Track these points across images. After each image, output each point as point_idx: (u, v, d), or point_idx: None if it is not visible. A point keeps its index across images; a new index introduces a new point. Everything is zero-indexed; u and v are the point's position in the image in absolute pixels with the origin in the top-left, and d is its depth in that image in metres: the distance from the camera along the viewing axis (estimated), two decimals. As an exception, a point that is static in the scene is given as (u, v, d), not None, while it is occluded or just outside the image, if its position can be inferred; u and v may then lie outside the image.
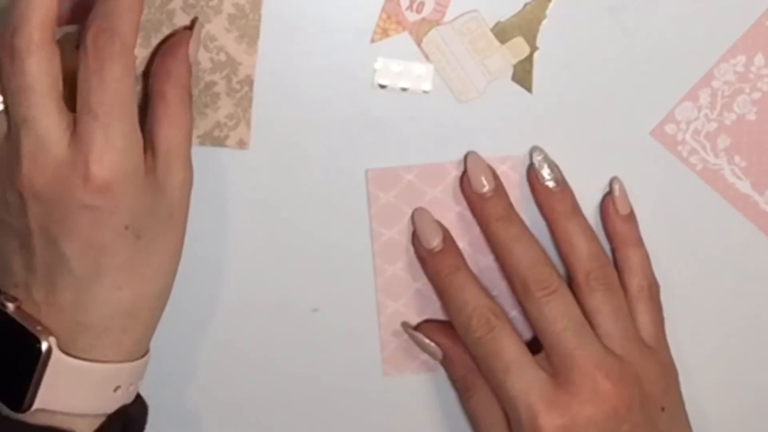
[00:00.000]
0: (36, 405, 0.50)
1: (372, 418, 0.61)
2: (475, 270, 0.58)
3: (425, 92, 0.58)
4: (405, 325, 0.59)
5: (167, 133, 0.52)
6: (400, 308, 0.59)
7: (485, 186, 0.57)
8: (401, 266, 0.59)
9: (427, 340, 0.58)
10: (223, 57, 0.57)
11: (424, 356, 0.60)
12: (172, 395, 0.61)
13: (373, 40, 0.57)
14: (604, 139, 0.59)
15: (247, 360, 0.60)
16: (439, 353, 0.58)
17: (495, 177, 0.57)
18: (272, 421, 0.61)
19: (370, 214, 0.59)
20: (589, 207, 0.59)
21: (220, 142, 0.58)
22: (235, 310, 0.60)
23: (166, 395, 0.60)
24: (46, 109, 0.49)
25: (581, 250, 0.56)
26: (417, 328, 0.59)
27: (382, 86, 0.58)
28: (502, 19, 0.58)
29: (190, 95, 0.53)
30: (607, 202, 0.58)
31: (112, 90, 0.49)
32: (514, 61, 0.58)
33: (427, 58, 0.58)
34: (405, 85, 0.58)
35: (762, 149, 0.59)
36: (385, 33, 0.57)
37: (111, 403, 0.52)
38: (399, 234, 0.59)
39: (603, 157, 0.59)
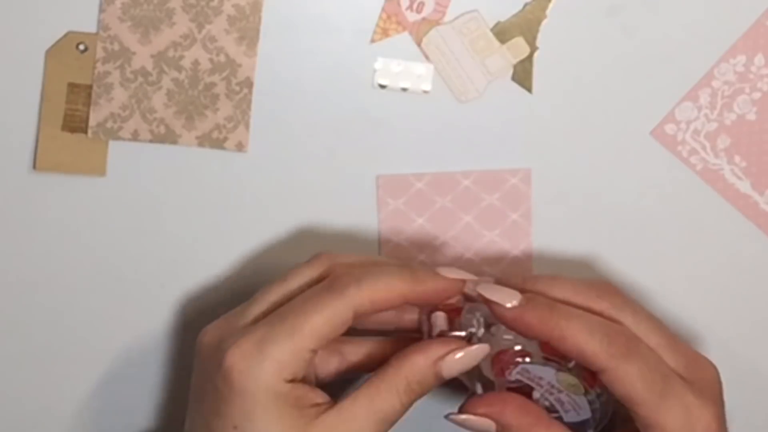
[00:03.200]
0: None
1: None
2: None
3: (425, 92, 0.58)
4: (449, 416, 0.54)
5: None
6: (405, 315, 0.59)
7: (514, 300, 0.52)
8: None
9: (480, 419, 0.53)
10: (222, 58, 0.57)
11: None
12: (171, 395, 0.60)
13: (373, 40, 0.57)
14: (604, 139, 0.59)
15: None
16: (492, 428, 0.53)
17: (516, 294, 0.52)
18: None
19: (379, 219, 0.59)
20: (590, 207, 0.59)
21: (218, 144, 0.57)
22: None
23: (163, 398, 0.60)
24: None
25: None
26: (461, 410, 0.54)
27: (382, 86, 0.58)
28: (502, 19, 0.57)
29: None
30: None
31: None
32: (514, 61, 0.58)
33: (427, 58, 0.57)
34: (405, 85, 0.58)
35: (762, 149, 0.59)
36: (385, 33, 0.57)
37: None
38: (406, 241, 0.59)
39: (603, 157, 0.59)
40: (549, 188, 0.59)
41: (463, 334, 0.52)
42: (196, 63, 0.57)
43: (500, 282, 0.52)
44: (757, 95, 0.58)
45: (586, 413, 0.52)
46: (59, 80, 0.57)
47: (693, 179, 0.59)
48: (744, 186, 0.59)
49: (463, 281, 0.53)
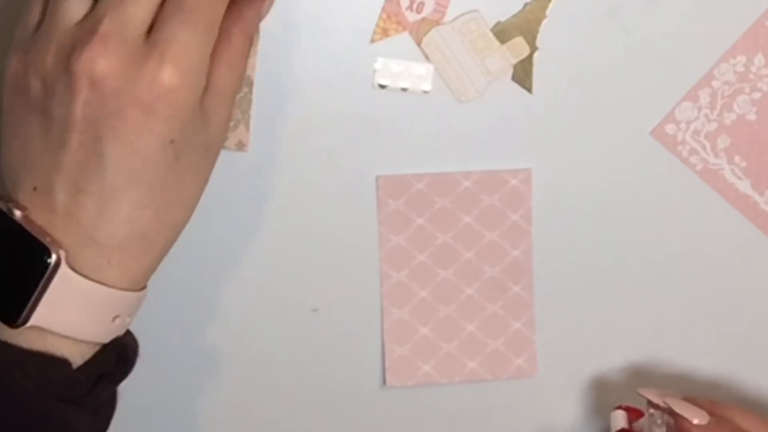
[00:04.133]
0: (32, 321, 0.47)
1: (372, 422, 0.61)
2: (480, 280, 0.58)
3: (425, 92, 0.58)
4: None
5: (224, 73, 0.50)
6: (405, 316, 0.59)
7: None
8: (407, 273, 0.59)
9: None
10: None
11: (427, 368, 0.60)
12: (171, 395, 0.60)
13: (373, 40, 0.57)
14: (604, 139, 0.59)
15: (246, 360, 0.60)
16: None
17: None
18: (271, 421, 0.61)
19: (379, 219, 0.59)
20: (590, 207, 0.59)
21: None
22: (235, 310, 0.60)
23: (165, 395, 0.60)
24: None
25: None
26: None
27: (382, 86, 0.58)
28: (502, 19, 0.57)
29: (251, 45, 0.52)
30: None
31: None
32: (514, 61, 0.58)
33: (427, 58, 0.57)
34: (405, 85, 0.57)
35: (762, 149, 0.59)
36: (385, 33, 0.57)
37: (107, 333, 0.49)
38: (406, 241, 0.59)
39: (603, 157, 0.59)
40: (549, 188, 0.59)
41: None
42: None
43: (688, 400, 0.54)
44: (757, 95, 0.58)
45: None
46: None
47: (693, 179, 0.59)
48: (744, 186, 0.59)
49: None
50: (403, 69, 0.57)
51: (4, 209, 0.47)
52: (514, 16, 0.57)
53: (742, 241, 0.60)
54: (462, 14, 0.57)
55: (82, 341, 0.48)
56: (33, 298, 0.47)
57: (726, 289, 0.61)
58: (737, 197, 0.59)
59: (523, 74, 0.58)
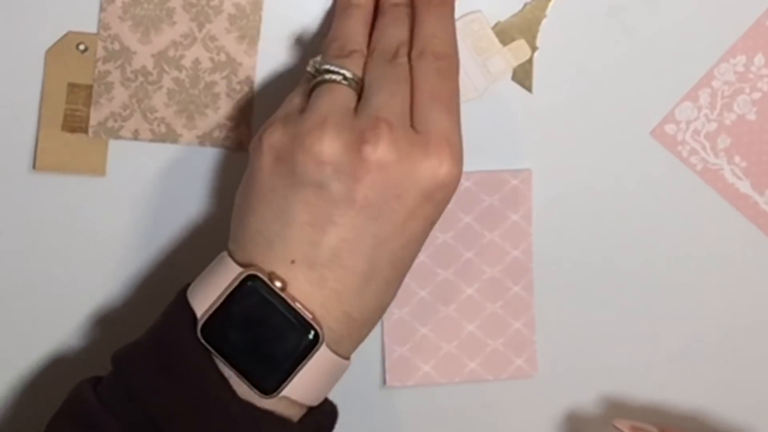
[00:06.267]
0: (283, 393, 0.48)
1: (372, 423, 0.61)
2: (480, 280, 0.58)
3: (425, 92, 0.58)
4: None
5: None
6: (405, 316, 0.59)
7: None
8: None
9: None
10: (223, 57, 0.57)
11: (427, 368, 0.60)
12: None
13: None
14: (604, 139, 0.59)
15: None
16: None
17: None
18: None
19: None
20: (590, 207, 0.59)
21: (219, 143, 0.57)
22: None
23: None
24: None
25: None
26: None
27: (383, 87, 0.57)
28: (502, 19, 0.57)
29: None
30: None
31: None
32: (516, 63, 0.58)
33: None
34: (405, 86, 0.57)
35: (762, 149, 0.59)
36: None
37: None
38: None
39: (603, 157, 0.59)
40: (549, 188, 0.59)
41: None
42: (196, 62, 0.56)
43: None
44: (757, 95, 0.58)
45: None
46: (59, 80, 0.57)
47: (693, 179, 0.59)
48: (744, 186, 0.59)
49: None
50: (404, 69, 0.57)
51: (266, 279, 0.48)
52: (514, 15, 0.57)
53: (742, 241, 0.60)
54: (465, 14, 0.57)
55: (309, 405, 0.50)
56: (291, 373, 0.48)
57: (726, 289, 0.61)
58: (737, 197, 0.59)
59: (523, 74, 0.58)
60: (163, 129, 0.57)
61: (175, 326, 0.49)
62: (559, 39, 0.58)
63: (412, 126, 0.49)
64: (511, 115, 0.58)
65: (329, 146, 0.48)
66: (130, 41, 0.57)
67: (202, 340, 0.48)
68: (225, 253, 0.50)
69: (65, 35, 0.57)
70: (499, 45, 0.58)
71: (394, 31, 0.52)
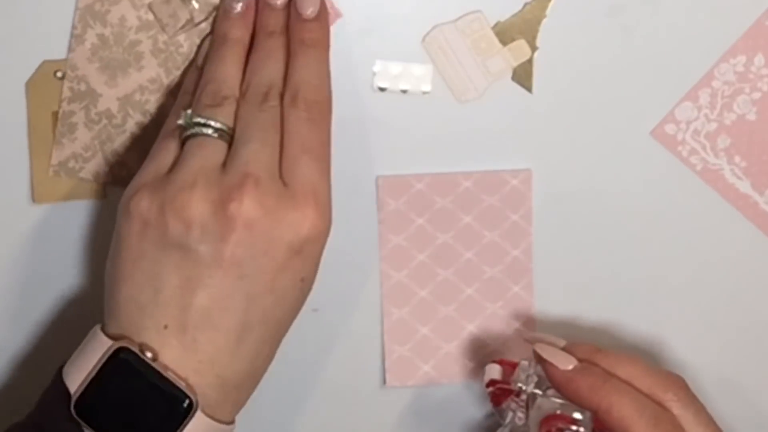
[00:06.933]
0: None
1: (373, 422, 0.61)
2: (480, 280, 0.58)
3: (425, 93, 0.58)
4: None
5: None
6: (405, 316, 0.59)
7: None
8: (407, 273, 0.59)
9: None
10: (83, 87, 0.56)
11: (427, 368, 0.60)
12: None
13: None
14: (604, 139, 0.59)
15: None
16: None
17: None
18: (270, 420, 0.60)
19: (379, 219, 0.59)
20: (590, 207, 0.59)
21: (74, 174, 0.57)
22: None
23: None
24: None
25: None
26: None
27: (382, 89, 0.57)
28: (502, 19, 0.57)
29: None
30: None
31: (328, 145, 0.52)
32: (515, 63, 0.58)
33: (429, 57, 0.57)
34: (405, 87, 0.57)
35: (762, 149, 0.59)
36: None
37: None
38: (406, 241, 0.59)
39: (603, 157, 0.59)
40: (549, 188, 0.59)
41: (513, 387, 0.53)
42: (162, 108, 0.56)
43: (568, 349, 0.53)
44: (757, 95, 0.58)
45: None
46: (43, 110, 0.56)
47: (693, 179, 0.59)
48: (744, 186, 0.59)
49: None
50: (402, 70, 0.57)
51: (136, 351, 0.47)
52: (514, 15, 0.57)
53: (742, 241, 0.60)
54: (465, 14, 0.57)
55: None
56: None
57: (726, 289, 0.61)
58: (737, 197, 0.59)
59: (523, 74, 0.58)
60: (124, 173, 0.57)
61: (51, 405, 0.49)
62: (559, 39, 0.58)
63: (281, 177, 0.50)
64: (511, 115, 0.58)
65: (196, 209, 0.48)
66: (97, 83, 0.56)
67: (77, 417, 0.47)
68: (97, 327, 0.50)
69: (41, 65, 0.56)
70: (499, 45, 0.58)
71: (267, 71, 0.52)
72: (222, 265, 0.48)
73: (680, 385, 0.51)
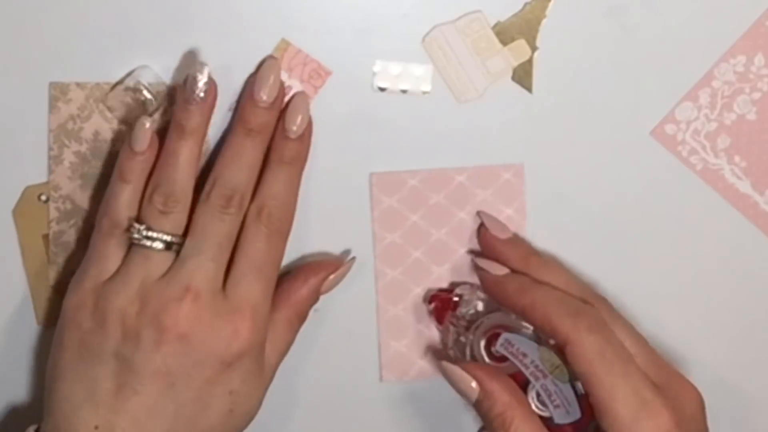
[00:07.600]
0: None
1: (370, 417, 0.61)
2: (475, 276, 0.59)
3: (425, 93, 0.58)
4: (442, 364, 0.55)
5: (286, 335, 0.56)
6: (399, 313, 0.60)
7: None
8: (401, 271, 0.59)
9: (466, 375, 0.53)
10: (69, 205, 0.56)
11: (423, 363, 0.60)
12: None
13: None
14: (604, 139, 0.59)
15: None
16: (475, 393, 0.53)
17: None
18: (270, 417, 0.60)
19: (373, 217, 0.59)
20: (590, 207, 0.59)
21: None
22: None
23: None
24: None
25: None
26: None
27: (382, 89, 0.58)
28: (502, 19, 0.58)
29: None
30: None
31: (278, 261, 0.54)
32: (515, 63, 0.58)
33: (429, 56, 0.57)
34: (404, 87, 0.58)
35: (762, 149, 0.59)
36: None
37: None
38: (401, 238, 0.59)
39: (603, 157, 0.59)
40: (549, 188, 0.59)
41: (455, 298, 0.57)
42: None
43: (506, 243, 0.57)
44: (757, 95, 0.58)
45: (575, 412, 0.52)
46: (33, 236, 0.57)
47: (693, 179, 0.59)
48: (744, 186, 0.59)
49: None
50: (402, 70, 0.57)
51: None
52: (514, 15, 0.58)
53: (742, 241, 0.60)
54: (465, 14, 0.57)
55: None
56: None
57: (726, 289, 0.60)
58: (737, 197, 0.59)
59: (523, 74, 0.58)
60: None
61: None
62: (559, 39, 0.58)
63: (224, 286, 0.52)
64: (511, 115, 0.58)
65: (135, 321, 0.50)
66: (82, 200, 0.57)
67: None
68: (33, 428, 0.52)
69: (24, 191, 0.57)
70: (499, 45, 0.58)
71: (236, 174, 0.53)
72: (153, 375, 0.50)
73: (603, 300, 0.55)
